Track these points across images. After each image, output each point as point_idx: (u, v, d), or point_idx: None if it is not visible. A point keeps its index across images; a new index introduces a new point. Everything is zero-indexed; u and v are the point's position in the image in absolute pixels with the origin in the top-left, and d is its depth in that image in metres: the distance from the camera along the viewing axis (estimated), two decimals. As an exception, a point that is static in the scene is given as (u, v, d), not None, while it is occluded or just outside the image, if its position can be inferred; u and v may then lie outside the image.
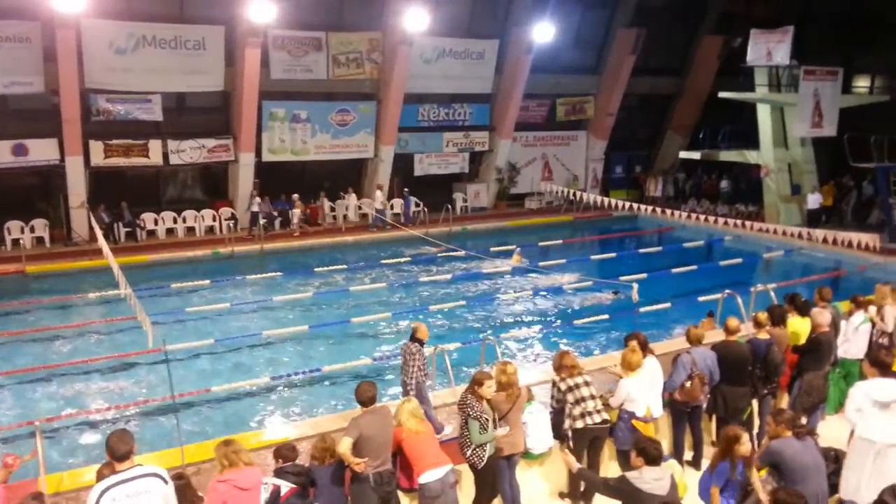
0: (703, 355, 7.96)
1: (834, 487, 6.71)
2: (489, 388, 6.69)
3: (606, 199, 23.34)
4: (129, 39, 19.62)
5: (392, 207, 23.90)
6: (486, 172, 26.51)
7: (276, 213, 22.08)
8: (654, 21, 26.17)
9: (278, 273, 17.22)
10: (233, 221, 21.68)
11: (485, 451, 6.65)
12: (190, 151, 21.26)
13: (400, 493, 6.59)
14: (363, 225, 22.91)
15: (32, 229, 20.04)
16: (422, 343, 8.89)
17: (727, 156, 24.35)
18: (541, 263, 18.42)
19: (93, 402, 10.81)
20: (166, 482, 4.99)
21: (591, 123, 27.80)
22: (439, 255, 18.89)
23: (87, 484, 5.81)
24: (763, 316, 8.55)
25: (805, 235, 18.82)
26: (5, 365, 11.99)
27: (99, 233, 16.72)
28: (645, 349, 7.75)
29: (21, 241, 19.65)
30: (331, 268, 17.80)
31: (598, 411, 7.28)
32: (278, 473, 6.10)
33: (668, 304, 14.28)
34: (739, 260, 18.33)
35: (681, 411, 8.04)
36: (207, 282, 16.45)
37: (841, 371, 9.23)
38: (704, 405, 8.20)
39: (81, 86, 19.21)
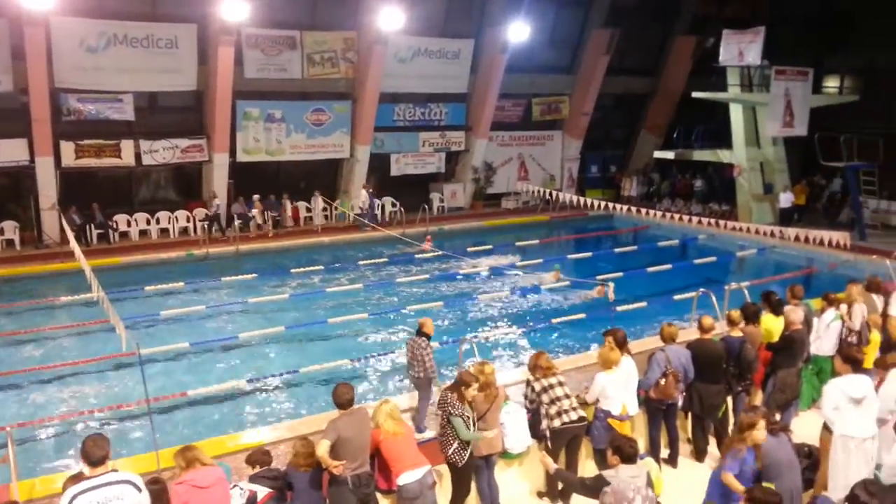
0: (677, 353, 8.04)
1: (808, 483, 6.83)
2: (474, 391, 6.72)
3: (582, 199, 23.48)
4: (100, 38, 19.33)
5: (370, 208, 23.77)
6: (462, 172, 26.54)
7: (250, 215, 21.89)
8: (628, 21, 26.38)
9: (254, 275, 17.09)
10: (207, 222, 21.44)
11: (466, 450, 6.68)
12: (163, 152, 21.01)
13: (378, 495, 6.58)
14: (341, 226, 22.73)
15: (2, 232, 19.69)
16: (428, 337, 9.10)
17: (701, 155, 24.62)
18: (518, 263, 18.51)
19: (66, 407, 10.64)
20: (140, 490, 4.93)
21: (567, 123, 27.95)
22: (416, 255, 18.86)
23: (60, 491, 5.72)
24: (736, 314, 8.67)
25: (777, 234, 19.07)
26: (-26, 370, 11.75)
27: (70, 235, 16.43)
28: (623, 346, 7.80)
29: (-10, 244, 19.32)
30: (307, 269, 17.70)
31: (574, 409, 7.33)
32: (254, 479, 6.06)
33: (644, 304, 14.40)
34: (713, 258, 18.54)
35: (656, 409, 8.11)
36: (182, 284, 16.25)
37: (813, 368, 9.37)
38: (680, 403, 8.29)
39: (51, 85, 18.90)
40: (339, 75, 22.96)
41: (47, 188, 19.40)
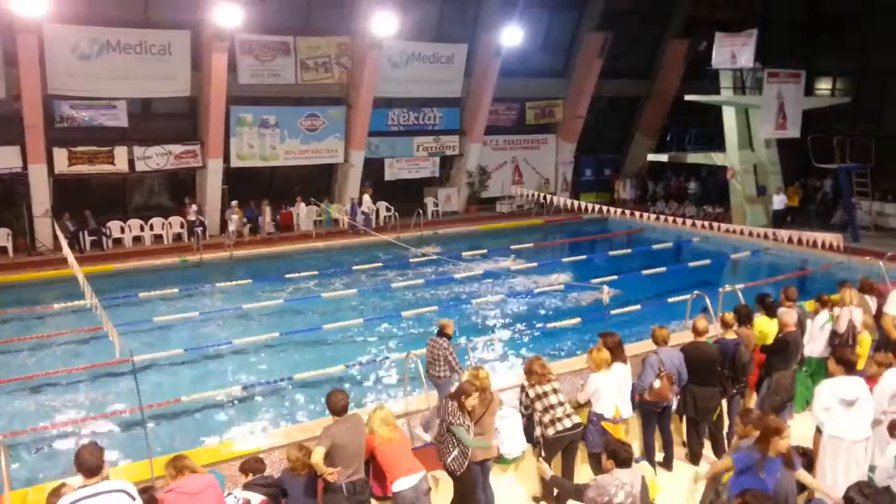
0: (670, 355, 8.05)
1: (802, 485, 6.82)
2: (474, 400, 6.72)
3: (577, 202, 23.50)
4: (92, 45, 19.28)
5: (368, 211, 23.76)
6: (456, 176, 26.55)
7: (245, 220, 21.85)
8: (621, 25, 26.45)
9: (248, 280, 17.07)
10: (201, 228, 21.39)
11: (466, 457, 6.67)
12: (156, 158, 20.96)
13: (374, 502, 6.56)
14: (323, 232, 22.56)
15: (-5, 239, 19.63)
16: (449, 338, 9.33)
17: (694, 158, 24.67)
18: (513, 267, 18.52)
19: (59, 415, 10.59)
20: (133, 498, 4.92)
21: (561, 127, 27.99)
22: (411, 259, 18.85)
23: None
24: (730, 316, 8.68)
25: (771, 236, 19.14)
26: (-33, 379, 11.69)
27: (63, 242, 16.40)
28: (616, 351, 7.78)
29: (-17, 252, 19.23)
30: (301, 274, 17.65)
31: (569, 416, 7.30)
32: (248, 487, 6.03)
33: (638, 307, 14.41)
34: (707, 261, 18.57)
35: (650, 412, 8.11)
36: (176, 290, 16.22)
37: (807, 369, 9.39)
38: (674, 405, 8.29)
39: (44, 92, 18.84)
40: (332, 80, 22.95)
41: (40, 195, 19.32)
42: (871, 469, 6.75)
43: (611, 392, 7.56)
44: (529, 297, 16.22)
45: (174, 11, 20.26)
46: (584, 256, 19.65)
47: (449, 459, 6.66)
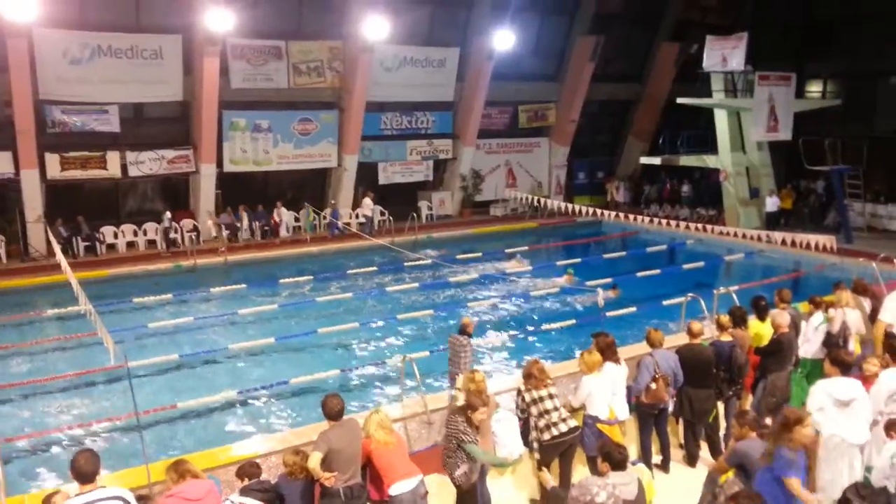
0: (665, 357, 8.09)
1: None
2: (482, 414, 6.71)
3: (570, 206, 23.54)
4: (83, 49, 19.24)
5: (357, 216, 23.76)
6: (450, 180, 26.57)
7: (238, 225, 21.81)
8: (613, 28, 26.57)
9: (242, 285, 17.00)
10: (195, 233, 21.36)
11: (475, 473, 6.66)
12: (149, 163, 20.92)
13: (370, 506, 6.55)
14: (304, 238, 22.24)
15: (-13, 245, 19.53)
16: (469, 336, 9.60)
17: (686, 160, 24.78)
18: (507, 269, 18.52)
19: (54, 421, 10.54)
20: (130, 504, 4.90)
21: (553, 130, 28.06)
22: (406, 263, 18.84)
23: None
24: (725, 318, 8.72)
25: (764, 238, 19.22)
26: (-39, 386, 11.62)
27: (57, 247, 16.34)
28: (607, 352, 7.80)
29: (-25, 258, 19.12)
30: (296, 279, 17.63)
31: (564, 420, 7.31)
32: (244, 492, 6.01)
33: (633, 308, 14.43)
34: (701, 263, 18.61)
35: (647, 414, 8.13)
36: (170, 296, 16.14)
37: (803, 371, 9.41)
38: (670, 407, 8.31)
39: (35, 97, 18.78)
40: (325, 85, 22.96)
41: (33, 201, 19.25)
42: (868, 469, 6.77)
43: (604, 394, 7.58)
44: (524, 299, 16.22)
45: (165, 16, 20.23)
46: (578, 259, 19.65)
47: (457, 474, 6.64)
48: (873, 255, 15.52)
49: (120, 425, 10.07)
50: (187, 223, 21.63)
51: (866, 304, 10.15)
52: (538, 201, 24.91)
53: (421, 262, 18.60)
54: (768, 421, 8.18)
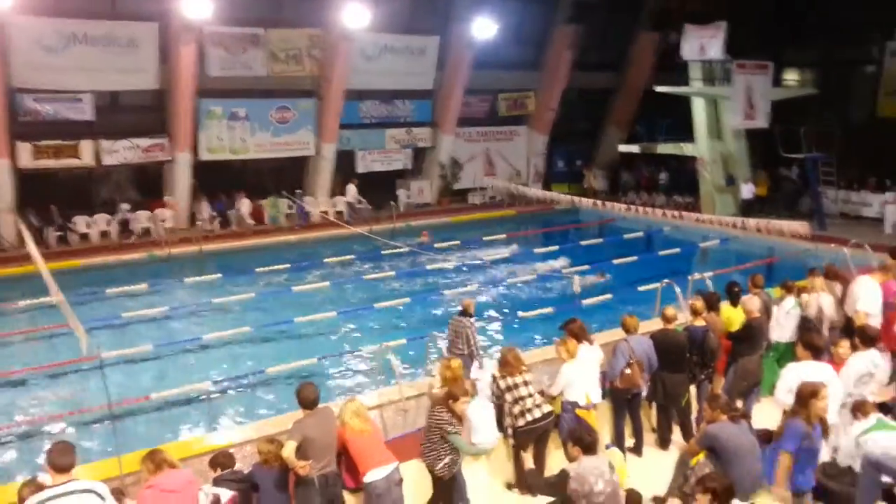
0: (640, 342, 8.16)
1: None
2: (464, 404, 6.73)
3: (548, 193, 23.57)
4: (58, 37, 18.89)
5: (335, 205, 23.65)
6: (429, 168, 26.49)
7: (215, 214, 21.62)
8: (592, 17, 26.52)
9: (218, 275, 16.87)
10: (170, 223, 21.11)
11: (457, 465, 6.68)
12: (124, 151, 20.64)
13: (346, 494, 6.55)
14: (271, 228, 22.14)
15: (-43, 236, 19.17)
16: (471, 317, 9.81)
17: (664, 148, 24.87)
18: (486, 257, 18.55)
19: (25, 413, 10.42)
20: (103, 498, 4.87)
21: (533, 118, 28.05)
22: (383, 251, 18.79)
23: (16, 500, 5.60)
24: (699, 304, 8.79)
25: (739, 224, 19.36)
26: (-70, 378, 11.45)
27: (28, 238, 16.10)
28: (580, 335, 7.89)
29: (-55, 249, 18.78)
30: (272, 268, 17.50)
31: (538, 406, 7.36)
32: (217, 482, 5.99)
33: (609, 296, 14.51)
34: (678, 250, 18.71)
35: (621, 399, 8.20)
36: (144, 285, 15.96)
37: (775, 354, 9.53)
38: (644, 392, 8.38)
39: (7, 85, 18.44)
40: (304, 73, 22.75)
41: (4, 190, 18.94)
42: (835, 450, 6.88)
43: (582, 381, 7.67)
44: (500, 287, 16.25)
45: (142, 3, 19.92)
46: (556, 247, 19.69)
47: (440, 466, 6.67)
48: (845, 241, 15.70)
49: (92, 416, 9.96)
50: (162, 212, 21.32)
51: (837, 289, 10.27)
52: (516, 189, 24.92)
53: (399, 250, 18.55)
54: (740, 404, 8.31)
